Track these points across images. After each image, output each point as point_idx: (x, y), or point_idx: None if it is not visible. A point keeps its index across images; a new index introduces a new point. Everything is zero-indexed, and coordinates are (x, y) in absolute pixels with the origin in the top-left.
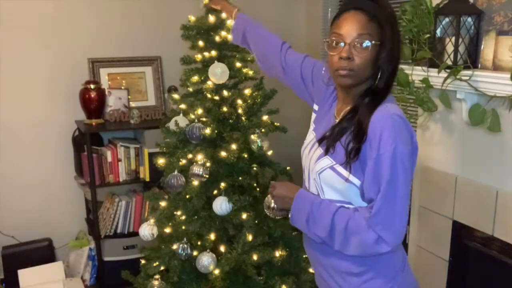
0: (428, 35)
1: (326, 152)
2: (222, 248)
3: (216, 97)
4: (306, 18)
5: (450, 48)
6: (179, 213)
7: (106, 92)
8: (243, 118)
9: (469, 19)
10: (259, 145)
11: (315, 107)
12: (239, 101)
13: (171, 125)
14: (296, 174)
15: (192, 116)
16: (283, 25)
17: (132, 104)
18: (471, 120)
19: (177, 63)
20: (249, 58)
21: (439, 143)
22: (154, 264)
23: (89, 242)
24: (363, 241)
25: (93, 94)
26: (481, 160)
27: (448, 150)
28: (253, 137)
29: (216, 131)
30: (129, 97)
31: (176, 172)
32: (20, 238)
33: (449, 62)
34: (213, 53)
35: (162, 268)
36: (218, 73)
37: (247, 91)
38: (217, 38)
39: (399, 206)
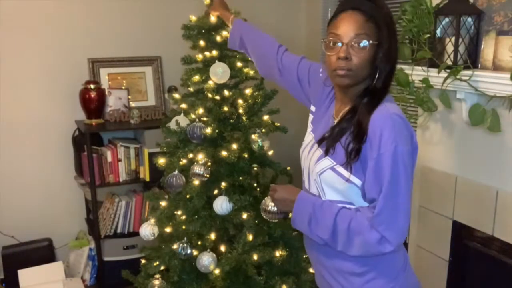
0: (428, 35)
1: (326, 153)
2: (223, 248)
3: (217, 97)
4: (306, 18)
5: (450, 48)
6: (179, 212)
7: (106, 92)
8: (243, 118)
9: (469, 19)
10: (260, 144)
11: (312, 108)
12: (240, 101)
13: (172, 124)
14: (296, 174)
15: (193, 116)
16: (283, 25)
17: (132, 104)
18: (471, 120)
19: (177, 63)
20: (249, 58)
21: (439, 143)
22: (155, 264)
23: (89, 242)
24: (366, 241)
25: (93, 94)
26: (481, 160)
27: (448, 150)
28: (253, 136)
29: (217, 131)
30: (129, 97)
31: (176, 172)
32: (20, 238)
33: (449, 62)
34: (214, 52)
35: (162, 267)
36: (219, 73)
37: (248, 91)
38: (218, 38)
39: (402, 205)
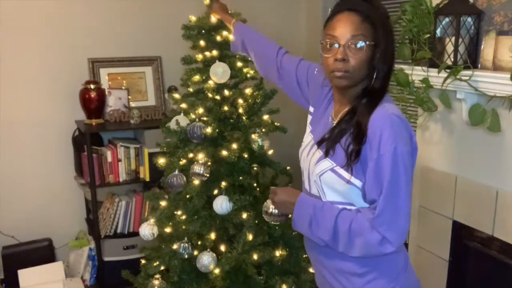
0: (428, 35)
1: (326, 155)
2: (223, 248)
3: (217, 97)
4: (306, 18)
5: (450, 48)
6: (179, 212)
7: (106, 92)
8: (243, 118)
9: (469, 19)
10: (260, 144)
11: (311, 109)
12: (240, 101)
13: (172, 124)
14: (296, 174)
15: (193, 116)
16: (283, 25)
17: (132, 104)
18: (471, 120)
19: (177, 63)
20: (249, 58)
21: (439, 143)
22: (155, 264)
23: (89, 242)
24: (367, 242)
25: (93, 94)
26: (481, 160)
27: (448, 150)
28: (253, 136)
29: (217, 130)
30: (129, 97)
31: (177, 172)
32: (20, 238)
33: (449, 62)
34: (214, 52)
35: (162, 267)
36: (220, 73)
37: (248, 91)
38: (218, 38)
39: (402, 205)
